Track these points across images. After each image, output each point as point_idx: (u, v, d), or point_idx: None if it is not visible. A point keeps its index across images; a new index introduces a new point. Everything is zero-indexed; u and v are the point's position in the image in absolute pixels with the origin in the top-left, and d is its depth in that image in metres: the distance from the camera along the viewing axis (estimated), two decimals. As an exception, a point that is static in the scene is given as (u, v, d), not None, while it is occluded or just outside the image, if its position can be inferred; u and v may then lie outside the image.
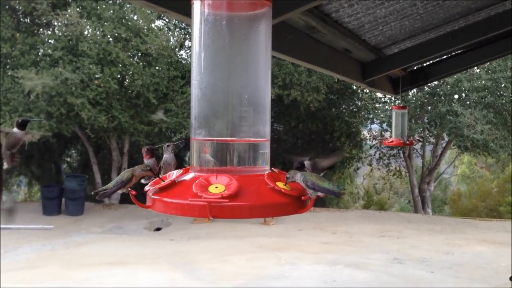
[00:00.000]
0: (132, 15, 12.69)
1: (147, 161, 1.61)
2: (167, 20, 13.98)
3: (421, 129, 14.37)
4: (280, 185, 1.04)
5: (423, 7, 3.36)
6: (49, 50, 12.22)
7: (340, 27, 3.32)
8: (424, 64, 5.23)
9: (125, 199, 15.16)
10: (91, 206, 13.92)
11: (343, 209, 15.15)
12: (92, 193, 1.50)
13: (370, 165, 17.28)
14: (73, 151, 18.11)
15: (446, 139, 15.54)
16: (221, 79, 1.09)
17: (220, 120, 1.08)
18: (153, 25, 13.20)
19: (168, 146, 1.68)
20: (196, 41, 1.08)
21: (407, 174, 16.44)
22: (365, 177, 20.39)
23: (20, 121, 2.18)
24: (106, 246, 9.69)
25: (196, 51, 1.08)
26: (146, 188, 1.09)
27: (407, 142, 4.85)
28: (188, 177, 1.07)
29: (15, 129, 2.16)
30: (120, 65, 12.23)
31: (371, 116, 15.08)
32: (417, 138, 14.83)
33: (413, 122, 13.72)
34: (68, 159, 18.24)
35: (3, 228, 10.46)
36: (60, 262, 8.32)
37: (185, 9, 1.85)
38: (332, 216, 12.83)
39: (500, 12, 3.80)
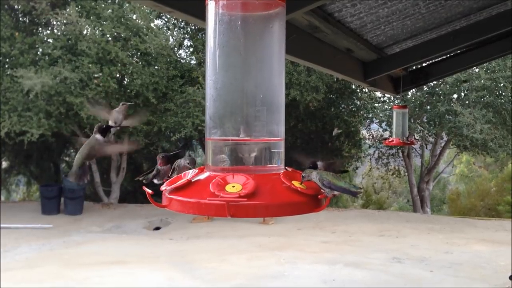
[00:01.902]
0: (131, 14, 12.68)
1: (161, 167, 1.64)
2: (166, 19, 13.98)
3: (420, 129, 14.39)
4: (296, 184, 1.04)
5: (425, 7, 3.37)
6: (48, 49, 12.20)
7: (342, 26, 3.32)
8: (425, 64, 5.24)
9: (124, 199, 15.17)
10: (90, 206, 13.91)
11: (342, 208, 15.19)
12: (135, 178, 1.61)
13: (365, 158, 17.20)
14: (72, 151, 18.05)
15: (445, 138, 15.57)
16: (236, 79, 1.09)
17: (235, 120, 1.09)
18: (152, 25, 13.18)
19: (157, 157, 1.71)
20: (211, 42, 1.08)
21: (406, 174, 16.46)
22: (364, 177, 20.42)
23: (104, 126, 1.87)
24: (105, 246, 9.69)
25: (211, 51, 1.08)
26: (162, 187, 1.09)
27: (408, 142, 4.86)
28: (203, 176, 1.08)
29: (98, 136, 1.84)
30: (119, 65, 12.22)
31: (370, 115, 15.10)
32: (416, 138, 14.84)
33: (412, 121, 13.73)
34: (67, 159, 18.21)
35: (2, 227, 10.46)
36: (59, 262, 8.32)
37: (192, 10, 1.85)
38: (331, 216, 12.84)
39: (502, 12, 3.81)
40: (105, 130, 1.81)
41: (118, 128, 2.03)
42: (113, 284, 7.05)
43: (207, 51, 1.10)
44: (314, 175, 1.07)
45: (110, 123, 2.00)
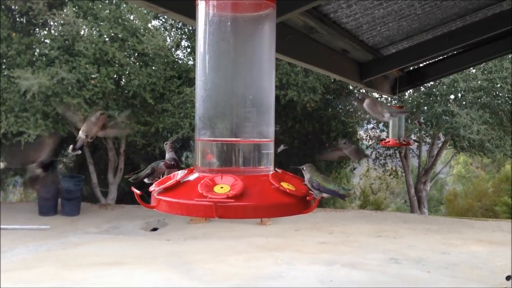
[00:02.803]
0: (128, 15, 12.67)
1: (172, 154, 1.64)
2: (163, 20, 13.98)
3: (417, 129, 14.41)
4: (285, 185, 1.04)
5: (420, 8, 3.38)
6: (45, 50, 12.18)
7: (338, 27, 3.33)
8: (421, 65, 5.24)
9: (121, 199, 15.14)
10: (88, 207, 13.89)
11: (339, 209, 15.18)
12: (126, 176, 1.62)
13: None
14: (70, 152, 18.02)
15: (442, 139, 15.58)
16: (226, 80, 1.09)
17: (224, 121, 1.09)
18: (149, 25, 13.18)
19: (166, 144, 1.70)
20: (201, 42, 1.08)
21: (403, 174, 16.48)
22: (362, 177, 20.43)
23: (46, 163, 1.97)
24: (103, 247, 9.67)
25: (201, 52, 1.08)
26: (151, 188, 1.09)
27: (404, 143, 4.87)
28: (192, 177, 1.08)
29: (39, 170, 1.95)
30: (117, 65, 12.21)
31: (368, 116, 15.11)
32: (414, 139, 14.86)
33: (409, 122, 13.75)
34: (64, 159, 18.18)
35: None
36: (56, 263, 8.30)
37: (186, 10, 1.85)
38: (329, 216, 12.85)
39: (497, 13, 3.82)
40: (46, 166, 1.91)
41: (90, 140, 2.04)
42: (110, 285, 7.04)
43: (197, 51, 1.10)
44: (304, 177, 1.07)
45: (81, 134, 2.01)
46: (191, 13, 1.87)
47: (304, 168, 1.08)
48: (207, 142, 1.10)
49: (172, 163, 1.45)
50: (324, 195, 1.05)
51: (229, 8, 1.07)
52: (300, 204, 1.04)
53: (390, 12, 3.29)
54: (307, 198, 1.05)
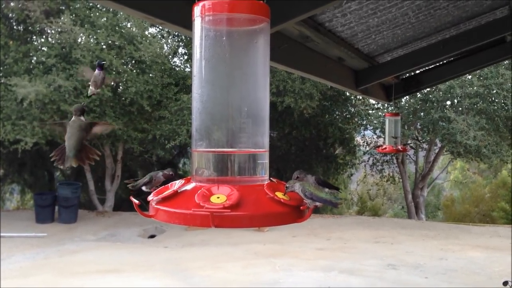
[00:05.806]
0: (125, 22, 12.73)
1: (155, 176, 1.64)
2: (160, 27, 14.03)
3: (414, 135, 14.46)
4: (279, 195, 1.07)
5: (414, 17, 3.41)
6: (42, 58, 12.19)
7: (333, 36, 3.36)
8: (417, 72, 5.29)
9: (119, 207, 15.12)
10: (85, 214, 13.87)
11: (337, 215, 15.19)
12: (125, 181, 1.61)
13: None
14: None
15: (439, 145, 15.64)
16: (222, 92, 1.12)
17: (220, 132, 1.11)
18: (146, 33, 13.24)
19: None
20: (197, 56, 1.11)
21: (401, 180, 16.51)
22: (359, 183, 20.45)
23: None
24: (100, 254, 9.66)
25: (197, 66, 1.11)
26: (149, 197, 1.12)
27: (400, 149, 4.90)
28: (189, 187, 1.10)
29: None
30: (114, 72, 12.23)
31: (365, 122, 15.17)
32: (410, 143, 14.89)
33: (406, 128, 13.80)
34: (61, 167, 18.12)
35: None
36: (53, 270, 8.28)
37: (183, 21, 1.88)
38: (326, 222, 12.86)
39: (491, 21, 3.87)
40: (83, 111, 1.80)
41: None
42: (107, 293, 7.04)
43: (193, 65, 1.13)
44: (297, 187, 1.09)
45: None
46: (188, 24, 1.91)
47: (288, 186, 1.10)
48: (204, 153, 1.13)
49: (171, 173, 1.47)
50: (317, 204, 1.08)
51: (224, 23, 1.10)
52: (294, 213, 1.06)
53: (385, 20, 3.32)
54: (301, 207, 1.07)
